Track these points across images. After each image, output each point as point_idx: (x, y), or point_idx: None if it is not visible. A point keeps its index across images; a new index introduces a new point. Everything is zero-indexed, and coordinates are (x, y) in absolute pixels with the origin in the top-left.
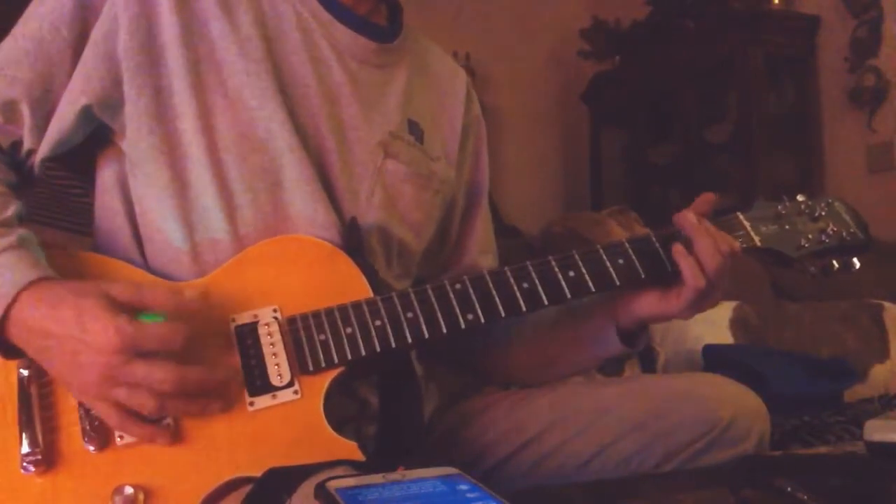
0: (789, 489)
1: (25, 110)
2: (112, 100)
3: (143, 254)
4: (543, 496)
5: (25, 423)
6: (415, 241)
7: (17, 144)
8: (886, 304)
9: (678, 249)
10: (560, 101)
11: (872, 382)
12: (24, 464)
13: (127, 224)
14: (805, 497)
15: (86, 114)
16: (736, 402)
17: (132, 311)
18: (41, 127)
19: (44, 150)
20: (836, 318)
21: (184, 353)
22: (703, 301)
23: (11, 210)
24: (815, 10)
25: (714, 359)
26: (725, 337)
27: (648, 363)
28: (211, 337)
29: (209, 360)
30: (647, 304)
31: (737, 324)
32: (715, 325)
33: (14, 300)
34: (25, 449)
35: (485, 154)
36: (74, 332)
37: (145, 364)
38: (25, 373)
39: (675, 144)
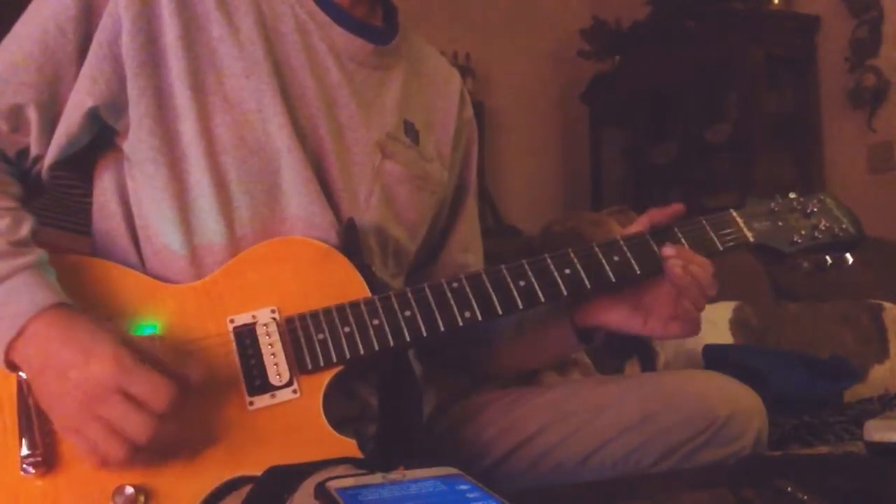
0: (789, 489)
1: (33, 115)
2: (117, 101)
3: (140, 255)
4: (543, 496)
5: (25, 425)
6: (409, 241)
7: (23, 153)
8: (886, 304)
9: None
10: (560, 101)
11: (872, 382)
12: (24, 465)
13: (124, 226)
14: (805, 497)
15: (92, 115)
16: (733, 399)
17: (141, 355)
18: (48, 131)
19: (52, 154)
20: (836, 318)
21: (182, 355)
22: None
23: (26, 228)
24: (815, 10)
25: (714, 359)
26: (725, 337)
27: (648, 363)
28: (209, 338)
29: (207, 361)
30: (615, 315)
31: (737, 324)
32: (715, 325)
33: (32, 319)
34: (25, 451)
35: (475, 155)
36: (75, 353)
37: (125, 404)
38: (24, 375)
39: (675, 144)
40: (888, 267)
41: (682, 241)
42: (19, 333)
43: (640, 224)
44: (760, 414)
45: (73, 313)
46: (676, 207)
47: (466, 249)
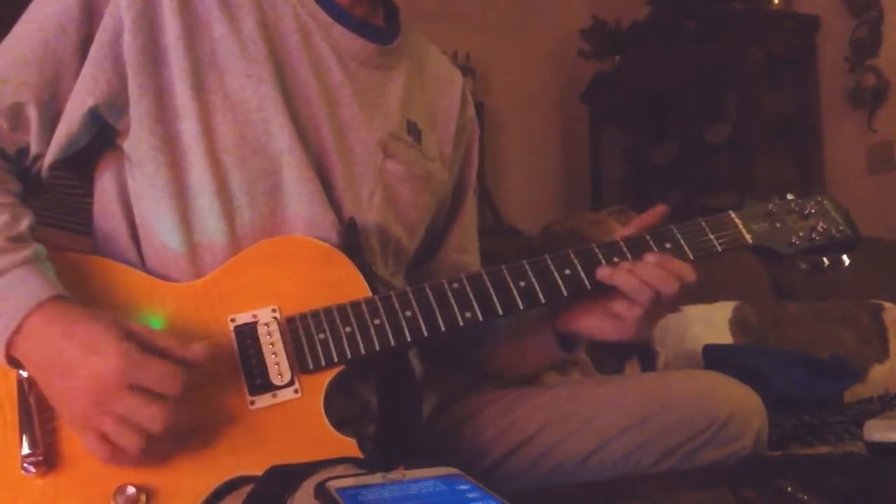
0: (789, 489)
1: (33, 114)
2: (118, 100)
3: (140, 255)
4: (543, 496)
5: (25, 425)
6: (409, 240)
7: (22, 152)
8: (886, 304)
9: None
10: (560, 101)
11: (872, 382)
12: (25, 465)
13: (125, 225)
14: (805, 497)
15: (92, 115)
16: (733, 399)
17: (143, 345)
18: (48, 131)
19: (52, 153)
20: (836, 318)
21: (184, 338)
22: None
23: (25, 223)
24: (815, 10)
25: (714, 359)
26: (725, 337)
27: (648, 363)
28: (210, 337)
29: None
30: (586, 322)
31: (737, 324)
32: (715, 325)
33: (30, 314)
34: (26, 450)
35: (475, 156)
36: (80, 350)
37: (138, 397)
38: (25, 374)
39: (675, 144)
40: (888, 267)
41: (681, 241)
42: (18, 328)
43: (633, 228)
44: (760, 414)
45: (72, 306)
46: (659, 209)
47: (464, 250)
